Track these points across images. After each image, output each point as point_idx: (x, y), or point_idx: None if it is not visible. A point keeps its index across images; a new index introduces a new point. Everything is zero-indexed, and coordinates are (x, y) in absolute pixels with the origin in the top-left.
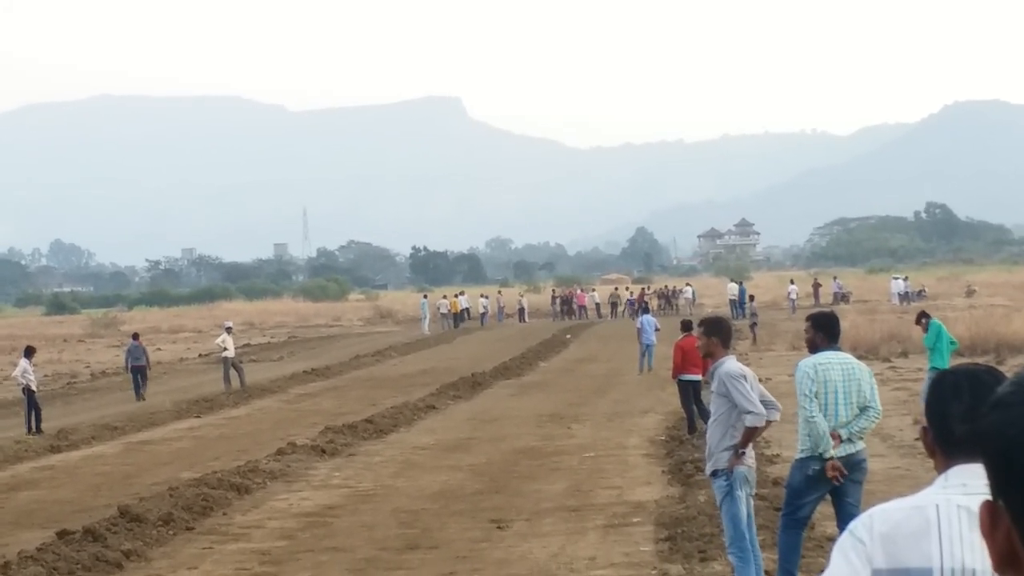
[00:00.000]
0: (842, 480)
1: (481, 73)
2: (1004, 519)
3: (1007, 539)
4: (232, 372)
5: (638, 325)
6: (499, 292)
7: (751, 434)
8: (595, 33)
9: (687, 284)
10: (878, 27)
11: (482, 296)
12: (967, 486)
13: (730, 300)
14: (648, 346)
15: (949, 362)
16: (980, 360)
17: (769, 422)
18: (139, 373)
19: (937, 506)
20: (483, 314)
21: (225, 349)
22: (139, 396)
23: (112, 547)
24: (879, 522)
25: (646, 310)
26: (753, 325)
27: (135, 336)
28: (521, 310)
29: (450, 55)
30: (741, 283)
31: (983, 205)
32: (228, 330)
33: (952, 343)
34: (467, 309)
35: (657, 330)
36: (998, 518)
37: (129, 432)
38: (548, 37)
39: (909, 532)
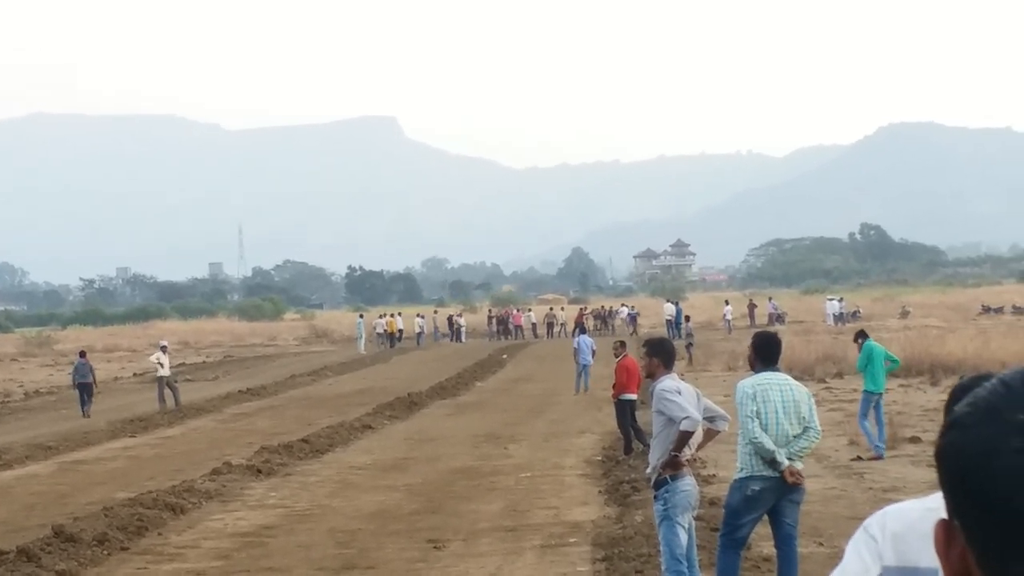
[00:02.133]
0: (802, 482)
1: (417, 93)
2: (959, 538)
3: (961, 559)
4: (167, 391)
5: (575, 345)
6: (435, 312)
7: (684, 437)
8: (530, 53)
9: (622, 304)
10: (813, 49)
11: (418, 316)
12: None
13: (667, 320)
14: (584, 366)
15: (885, 383)
16: (914, 381)
17: (716, 432)
18: (85, 390)
19: None
20: (419, 334)
21: (160, 367)
22: (84, 413)
23: (46, 567)
24: (892, 520)
25: (583, 330)
26: (689, 345)
27: (82, 354)
28: (458, 330)
29: (386, 74)
30: (677, 303)
31: (917, 226)
32: (163, 349)
33: (894, 361)
34: (401, 330)
35: (594, 351)
36: (953, 537)
37: (63, 452)
38: (484, 57)
39: (922, 532)
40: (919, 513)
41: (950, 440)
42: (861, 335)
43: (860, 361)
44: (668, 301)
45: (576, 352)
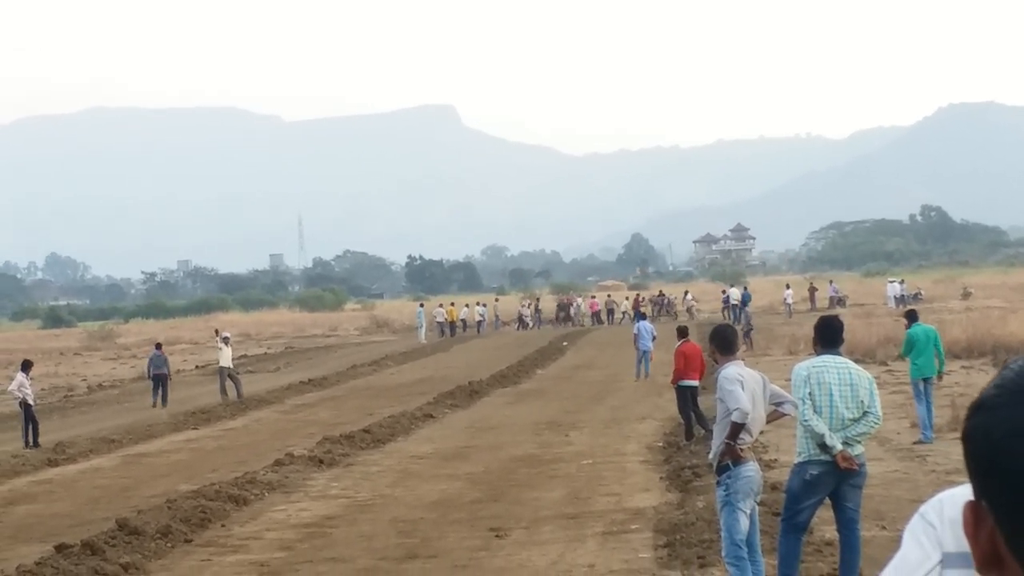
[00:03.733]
0: (856, 467)
1: (475, 81)
2: (988, 520)
3: (990, 540)
4: (228, 383)
5: (635, 331)
6: (496, 300)
7: (736, 429)
8: (588, 40)
9: (686, 291)
10: (871, 30)
11: (479, 304)
12: None
13: (732, 304)
14: (645, 352)
15: (933, 368)
16: (976, 363)
17: (783, 415)
18: (160, 381)
19: None
20: (479, 322)
21: (221, 351)
22: (155, 402)
23: (111, 560)
24: (949, 506)
25: (643, 316)
26: (748, 331)
27: (158, 345)
28: (523, 316)
29: (444, 63)
30: (745, 288)
31: (978, 207)
32: (225, 340)
33: (939, 355)
34: (464, 320)
35: (654, 337)
36: (982, 519)
37: (127, 445)
38: (541, 44)
39: None
40: None
41: (977, 422)
42: (910, 316)
43: (904, 347)
44: (732, 286)
45: (636, 338)
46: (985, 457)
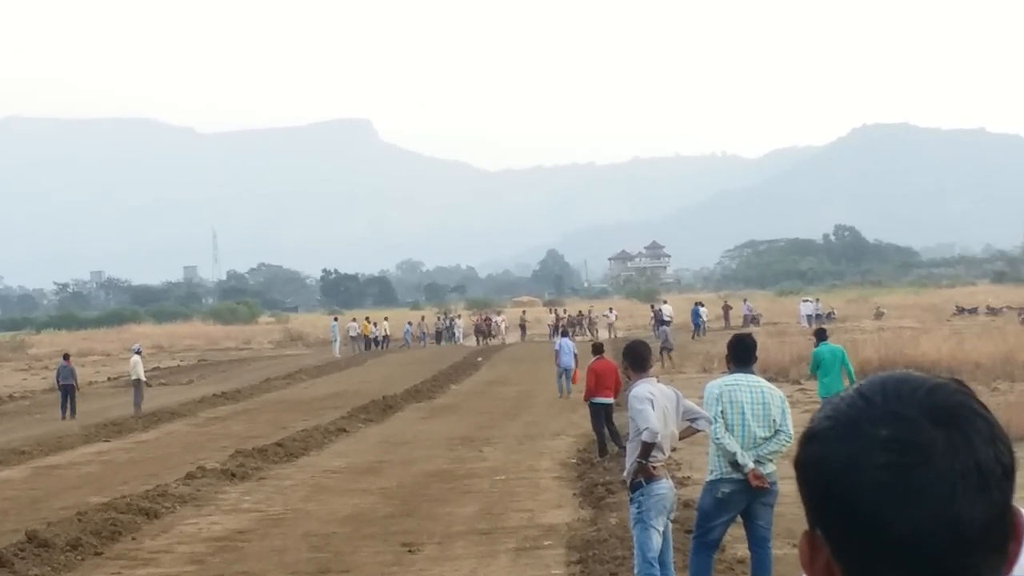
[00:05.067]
0: (767, 486)
1: (391, 95)
2: (823, 550)
3: (826, 570)
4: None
5: (556, 348)
6: (422, 319)
7: (646, 448)
8: (504, 56)
9: (610, 308)
10: (787, 51)
11: (408, 323)
12: None
13: (666, 320)
14: (566, 369)
15: (841, 386)
16: None
17: (697, 431)
18: (68, 392)
19: None
20: (385, 337)
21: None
22: (64, 414)
23: (19, 573)
24: None
25: (564, 333)
26: (664, 349)
27: (66, 357)
28: (439, 331)
29: (360, 77)
30: (700, 304)
31: (891, 227)
32: (138, 353)
33: (848, 372)
34: (387, 336)
35: (576, 355)
36: (817, 549)
37: (37, 456)
38: (458, 60)
39: None
40: None
41: (811, 452)
42: (818, 335)
43: (811, 365)
44: (664, 302)
45: (557, 355)
46: (819, 488)
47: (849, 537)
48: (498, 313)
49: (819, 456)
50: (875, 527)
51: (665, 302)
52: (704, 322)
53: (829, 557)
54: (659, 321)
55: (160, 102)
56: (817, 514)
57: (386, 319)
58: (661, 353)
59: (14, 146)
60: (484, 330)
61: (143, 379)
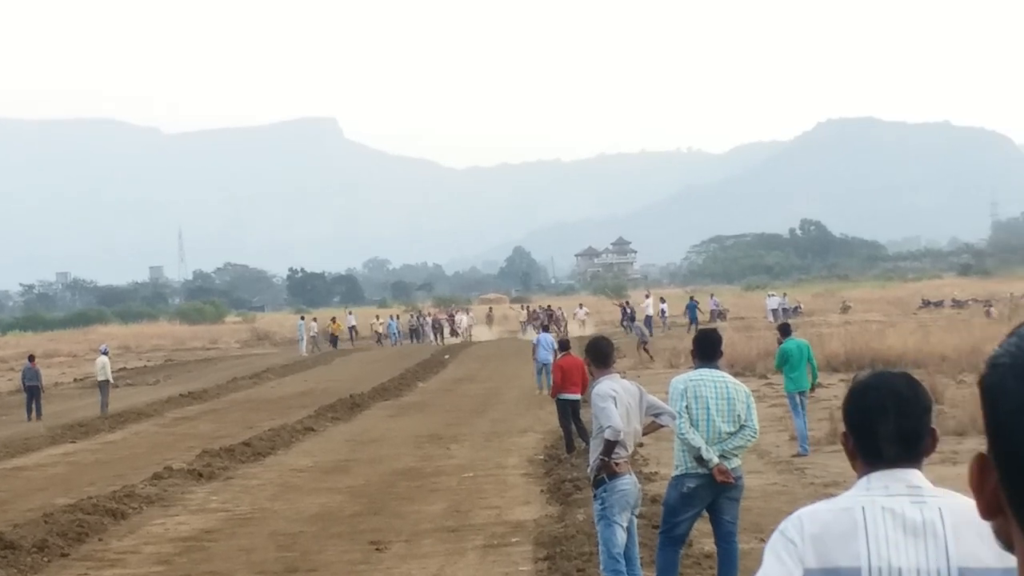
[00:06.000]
0: (732, 481)
1: (356, 94)
2: (993, 475)
3: (994, 494)
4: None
5: (533, 343)
6: (396, 316)
7: (608, 446)
8: (469, 54)
9: (580, 304)
10: (751, 46)
11: (392, 317)
12: (889, 488)
13: (647, 316)
14: (545, 364)
15: (806, 382)
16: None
17: (660, 426)
18: (33, 394)
19: (863, 508)
20: (393, 333)
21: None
22: (30, 416)
23: None
24: (809, 523)
25: (545, 328)
26: (642, 343)
27: (31, 358)
28: (413, 329)
29: (325, 76)
30: (627, 301)
31: (857, 221)
32: (104, 353)
33: (813, 369)
34: (354, 327)
35: (555, 350)
36: (987, 472)
37: (3, 458)
38: (423, 58)
39: (838, 533)
40: (834, 514)
41: (991, 382)
42: (783, 330)
43: (777, 360)
44: (647, 296)
45: (535, 349)
46: (992, 420)
47: (1012, 473)
48: (467, 311)
49: (995, 388)
50: None
51: (648, 295)
52: (666, 317)
53: (997, 482)
54: (631, 317)
55: (123, 102)
56: (990, 441)
57: (350, 313)
58: (639, 348)
59: None
60: (440, 327)
61: (111, 380)
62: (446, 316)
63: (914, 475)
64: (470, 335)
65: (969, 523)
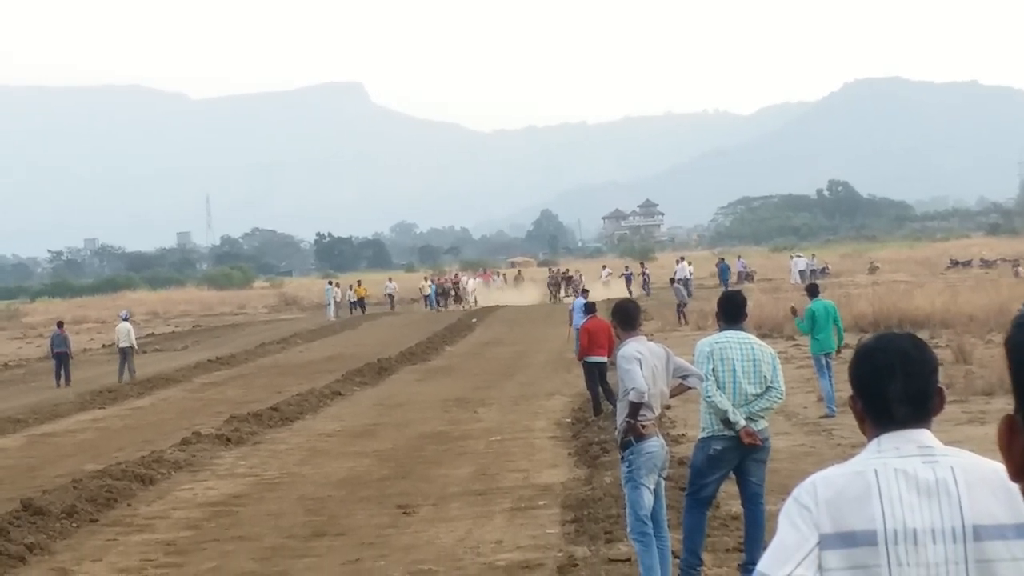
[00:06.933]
0: (759, 443)
1: (382, 58)
2: (1022, 433)
3: (1023, 453)
4: (125, 362)
5: (570, 308)
6: (425, 278)
7: (634, 408)
8: (494, 17)
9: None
10: (777, 6)
11: (389, 280)
12: (900, 450)
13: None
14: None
15: (833, 342)
16: None
17: (688, 388)
18: (62, 360)
19: (875, 471)
20: (427, 296)
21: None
22: (59, 382)
23: (15, 541)
24: (823, 488)
25: (585, 292)
26: (681, 305)
27: (59, 324)
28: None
29: (351, 40)
30: (723, 260)
31: (885, 181)
32: (126, 319)
33: (839, 331)
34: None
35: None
36: (1016, 432)
37: (32, 424)
38: (448, 21)
39: (852, 496)
40: (847, 478)
41: (1017, 340)
42: (810, 291)
43: (805, 324)
44: (682, 259)
45: (571, 314)
46: (1019, 379)
47: None
48: (477, 275)
49: (1022, 347)
50: None
51: (682, 259)
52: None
53: None
54: (671, 280)
55: (151, 69)
56: (1018, 402)
57: (390, 280)
58: (678, 311)
59: (2, 115)
60: (447, 291)
61: (135, 346)
62: (451, 281)
63: (924, 435)
64: (475, 301)
65: (982, 480)
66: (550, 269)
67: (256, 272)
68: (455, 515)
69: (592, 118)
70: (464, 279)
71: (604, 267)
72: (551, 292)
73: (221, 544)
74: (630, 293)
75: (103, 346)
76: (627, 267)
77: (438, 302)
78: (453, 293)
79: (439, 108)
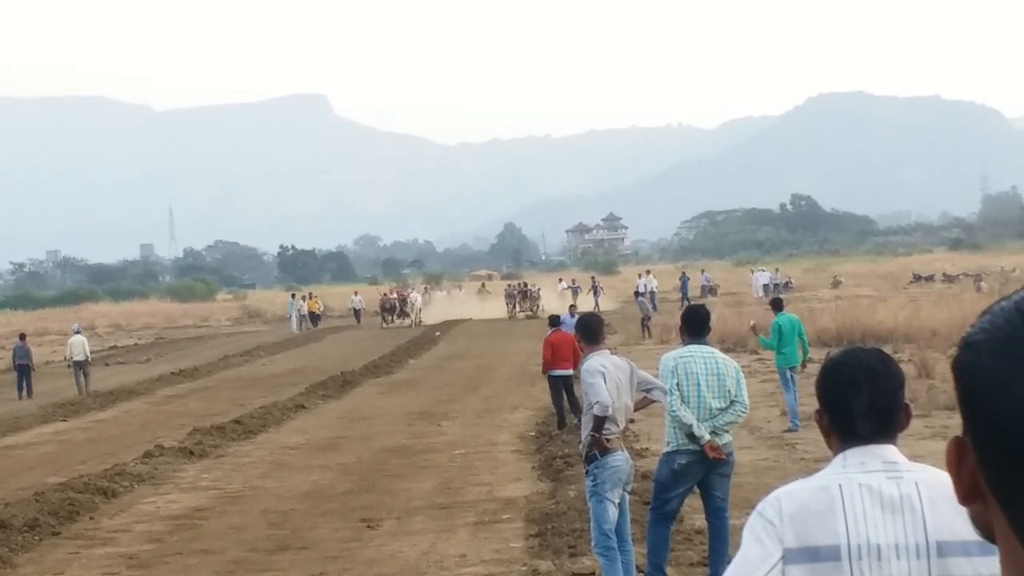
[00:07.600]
0: (723, 457)
1: (346, 70)
2: (970, 457)
3: (971, 476)
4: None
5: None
6: (390, 290)
7: (598, 423)
8: (459, 30)
9: (702, 271)
10: (742, 21)
11: (355, 294)
12: (865, 464)
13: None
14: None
15: (798, 357)
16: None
17: (652, 401)
18: (24, 372)
19: (840, 485)
20: (357, 312)
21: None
22: (20, 395)
23: None
24: (786, 503)
25: (572, 308)
26: (645, 319)
27: (21, 336)
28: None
29: (315, 52)
30: (684, 273)
31: (848, 196)
32: (78, 332)
33: (804, 345)
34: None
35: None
36: (965, 455)
37: None
38: (413, 34)
39: (817, 511)
40: (811, 493)
41: (965, 361)
42: (774, 305)
43: (770, 339)
44: (648, 272)
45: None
46: (968, 398)
47: (993, 452)
48: (427, 290)
49: (970, 367)
50: (1020, 447)
51: (648, 272)
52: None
53: (975, 465)
54: (635, 293)
55: (114, 80)
56: (966, 419)
57: (356, 293)
58: (642, 325)
59: None
60: (391, 307)
61: (89, 358)
62: (398, 296)
63: (889, 450)
64: (420, 318)
65: (945, 496)
66: (508, 284)
67: (219, 284)
68: (419, 529)
69: (557, 131)
70: (412, 295)
71: (560, 280)
72: (508, 305)
73: (184, 557)
74: (597, 306)
75: (65, 359)
76: (593, 279)
77: (384, 318)
78: (398, 308)
79: (403, 121)
